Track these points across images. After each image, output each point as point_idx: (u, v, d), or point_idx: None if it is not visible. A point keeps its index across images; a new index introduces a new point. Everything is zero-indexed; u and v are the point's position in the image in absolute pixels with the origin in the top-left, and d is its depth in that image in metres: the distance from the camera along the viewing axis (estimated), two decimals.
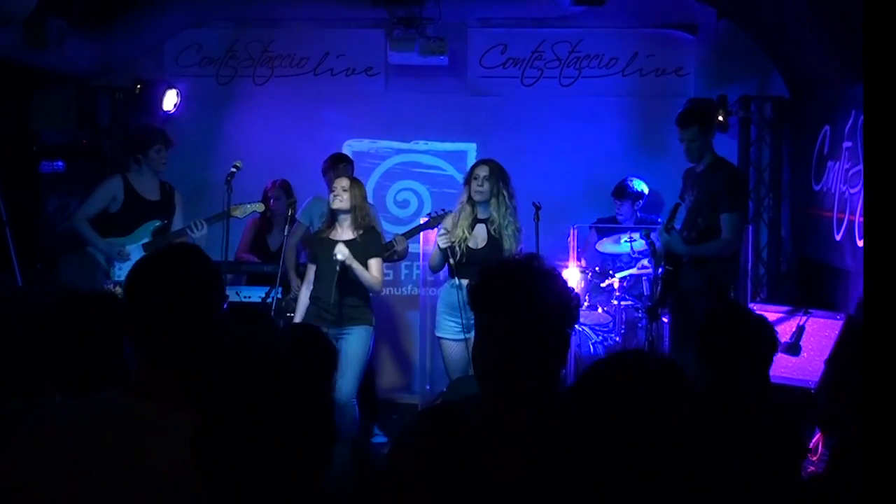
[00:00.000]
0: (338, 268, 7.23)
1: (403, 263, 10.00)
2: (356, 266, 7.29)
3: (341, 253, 7.23)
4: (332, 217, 7.51)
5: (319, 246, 7.51)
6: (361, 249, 7.38)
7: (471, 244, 7.50)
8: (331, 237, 7.46)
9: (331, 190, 7.54)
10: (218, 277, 2.72)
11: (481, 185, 7.48)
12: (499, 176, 7.52)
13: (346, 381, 7.21)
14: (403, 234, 8.19)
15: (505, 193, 7.50)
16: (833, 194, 8.19)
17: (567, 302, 2.77)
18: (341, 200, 7.39)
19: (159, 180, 8.32)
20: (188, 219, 8.32)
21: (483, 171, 7.52)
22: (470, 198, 7.54)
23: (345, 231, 7.45)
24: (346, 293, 7.36)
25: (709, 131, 7.78)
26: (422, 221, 8.31)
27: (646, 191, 9.51)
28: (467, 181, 7.62)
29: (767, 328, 4.45)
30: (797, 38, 8.59)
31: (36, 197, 9.45)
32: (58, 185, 9.59)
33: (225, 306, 2.74)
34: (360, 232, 7.44)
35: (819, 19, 7.88)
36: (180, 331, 2.57)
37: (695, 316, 6.08)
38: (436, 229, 7.76)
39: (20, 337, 3.81)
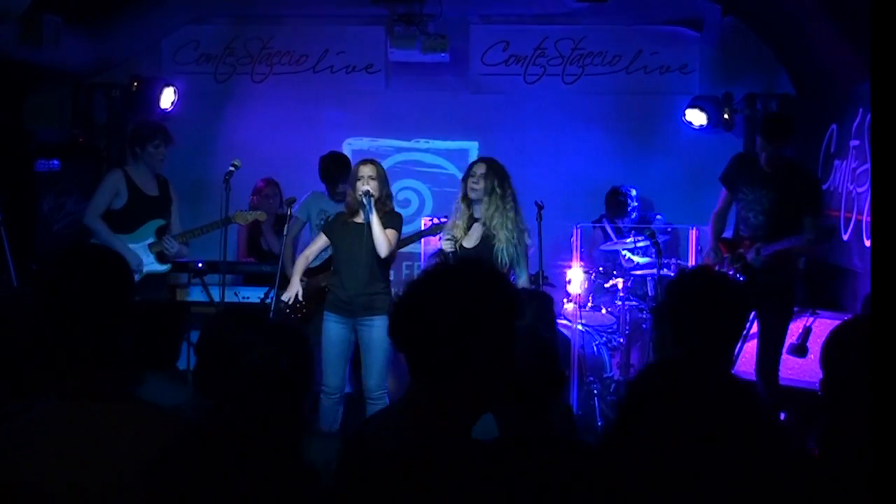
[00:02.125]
0: (364, 200, 7.14)
1: (404, 263, 9.93)
2: (375, 217, 7.17)
3: (371, 188, 7.19)
4: (356, 204, 7.35)
5: (343, 231, 7.39)
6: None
7: (465, 243, 7.42)
8: (354, 221, 7.34)
9: (356, 178, 7.32)
10: (120, 270, 2.69)
11: (476, 183, 7.36)
12: (495, 174, 7.37)
13: (374, 373, 7.19)
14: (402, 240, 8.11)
15: (499, 192, 7.33)
16: (840, 193, 8.15)
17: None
18: (373, 189, 7.24)
19: (155, 174, 8.24)
20: (184, 214, 8.26)
21: (480, 169, 7.40)
22: (466, 195, 7.45)
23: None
24: (367, 282, 7.27)
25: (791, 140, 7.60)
26: (424, 226, 8.23)
27: (634, 203, 9.44)
28: (465, 178, 7.51)
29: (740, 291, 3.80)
30: (804, 36, 8.52)
31: (31, 196, 9.32)
32: (54, 184, 9.46)
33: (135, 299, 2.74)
34: (380, 216, 7.28)
35: (826, 16, 7.82)
36: (93, 327, 2.57)
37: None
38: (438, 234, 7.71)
39: (16, 337, 3.72)
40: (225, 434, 2.44)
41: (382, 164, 7.69)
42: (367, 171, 7.32)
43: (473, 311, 2.49)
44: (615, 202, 9.44)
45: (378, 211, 7.25)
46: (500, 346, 2.52)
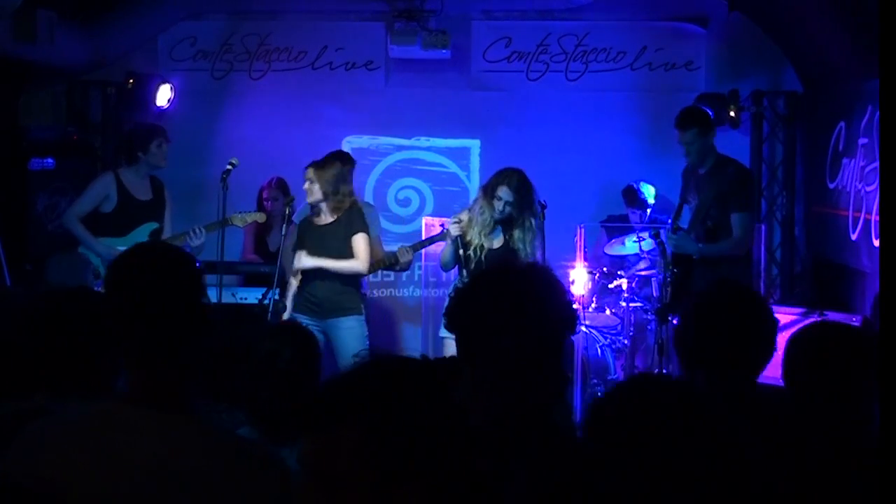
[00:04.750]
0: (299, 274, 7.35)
1: None
2: (327, 263, 7.31)
3: (301, 262, 7.34)
4: (315, 207, 7.50)
5: (308, 234, 7.48)
6: (343, 229, 7.36)
7: (486, 243, 7.45)
8: (316, 223, 7.46)
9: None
10: (199, 276, 2.60)
11: (503, 210, 7.37)
12: (524, 196, 7.39)
13: None
14: (411, 246, 8.10)
15: (527, 213, 7.40)
16: (848, 192, 8.03)
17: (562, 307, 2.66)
18: (311, 194, 7.38)
19: (149, 178, 8.18)
20: (178, 217, 8.21)
21: (507, 195, 7.36)
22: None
23: (326, 217, 7.45)
24: (329, 282, 7.32)
25: (708, 132, 7.73)
26: (424, 224, 8.20)
27: (652, 200, 9.31)
28: (488, 191, 7.46)
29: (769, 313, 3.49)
30: (811, 31, 8.43)
31: (25, 195, 9.31)
32: (48, 182, 9.44)
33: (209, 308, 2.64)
34: (339, 214, 7.39)
35: (834, 11, 7.74)
36: (166, 333, 2.47)
37: None
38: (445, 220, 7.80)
39: (9, 338, 3.63)
40: None
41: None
42: (307, 175, 7.46)
43: (527, 312, 2.57)
44: (629, 194, 9.33)
45: (336, 211, 7.32)
46: (547, 352, 2.60)
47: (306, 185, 7.40)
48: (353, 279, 7.48)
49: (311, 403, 1.99)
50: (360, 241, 7.38)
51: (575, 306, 2.82)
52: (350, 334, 7.25)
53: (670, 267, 7.55)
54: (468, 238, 7.45)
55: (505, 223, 7.45)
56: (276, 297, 7.75)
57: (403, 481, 1.89)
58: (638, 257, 8.84)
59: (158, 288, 2.47)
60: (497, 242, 7.46)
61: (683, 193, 7.92)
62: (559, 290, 2.68)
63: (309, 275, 7.36)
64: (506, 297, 2.59)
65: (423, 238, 8.43)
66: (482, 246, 7.39)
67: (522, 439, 2.55)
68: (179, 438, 2.40)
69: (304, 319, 7.23)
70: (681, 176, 8.03)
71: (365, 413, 1.90)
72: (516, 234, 7.39)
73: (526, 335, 2.56)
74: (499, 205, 7.35)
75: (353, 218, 7.43)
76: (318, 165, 7.43)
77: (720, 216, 7.55)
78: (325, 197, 7.33)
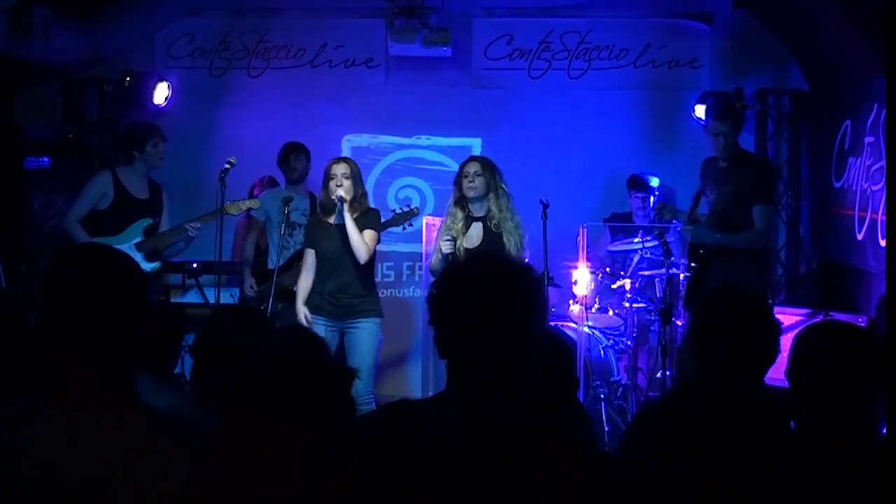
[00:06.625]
0: (338, 202, 7.12)
1: (405, 264, 9.82)
2: (351, 224, 7.12)
3: (344, 191, 7.12)
4: (330, 205, 7.28)
5: (322, 234, 7.33)
6: (359, 225, 7.23)
7: (466, 244, 7.35)
8: (330, 222, 7.29)
9: (329, 177, 7.27)
10: (140, 279, 2.50)
11: (472, 182, 7.36)
12: (492, 170, 7.42)
13: (361, 377, 7.06)
14: None
15: (502, 187, 7.41)
16: (854, 192, 7.99)
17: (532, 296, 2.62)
18: (345, 190, 7.18)
19: (147, 178, 8.12)
20: (177, 217, 8.12)
21: (473, 168, 7.41)
22: (461, 198, 7.42)
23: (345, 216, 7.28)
24: (349, 283, 7.23)
25: (742, 126, 7.92)
26: (425, 225, 8.19)
27: (656, 185, 9.24)
28: (458, 180, 7.48)
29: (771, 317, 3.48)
30: (817, 29, 8.38)
31: (21, 194, 9.26)
32: (44, 181, 9.40)
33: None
34: (357, 214, 7.25)
35: (840, 8, 7.68)
36: (107, 332, 2.38)
37: None
38: (437, 232, 7.66)
39: (8, 339, 3.58)
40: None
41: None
42: (340, 169, 7.27)
43: (496, 304, 2.55)
44: (634, 179, 9.25)
45: (354, 211, 7.19)
46: (525, 339, 2.57)
47: (339, 180, 7.18)
48: (372, 283, 7.43)
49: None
50: (370, 235, 7.25)
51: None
52: (366, 336, 7.23)
53: (690, 262, 7.60)
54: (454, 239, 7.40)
55: (484, 217, 7.40)
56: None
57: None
58: (643, 258, 8.74)
59: (102, 290, 2.39)
60: (476, 240, 7.39)
61: (703, 186, 7.97)
62: (530, 284, 2.64)
63: (326, 277, 7.25)
64: (474, 294, 2.57)
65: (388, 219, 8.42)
66: (463, 248, 7.33)
67: (526, 444, 2.50)
68: (142, 438, 2.35)
69: (320, 321, 7.20)
70: (700, 167, 8.10)
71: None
72: (496, 214, 7.35)
73: (495, 332, 2.54)
74: (468, 181, 7.35)
75: (371, 216, 7.35)
76: (349, 162, 7.34)
77: (739, 210, 7.57)
78: (355, 196, 7.22)
